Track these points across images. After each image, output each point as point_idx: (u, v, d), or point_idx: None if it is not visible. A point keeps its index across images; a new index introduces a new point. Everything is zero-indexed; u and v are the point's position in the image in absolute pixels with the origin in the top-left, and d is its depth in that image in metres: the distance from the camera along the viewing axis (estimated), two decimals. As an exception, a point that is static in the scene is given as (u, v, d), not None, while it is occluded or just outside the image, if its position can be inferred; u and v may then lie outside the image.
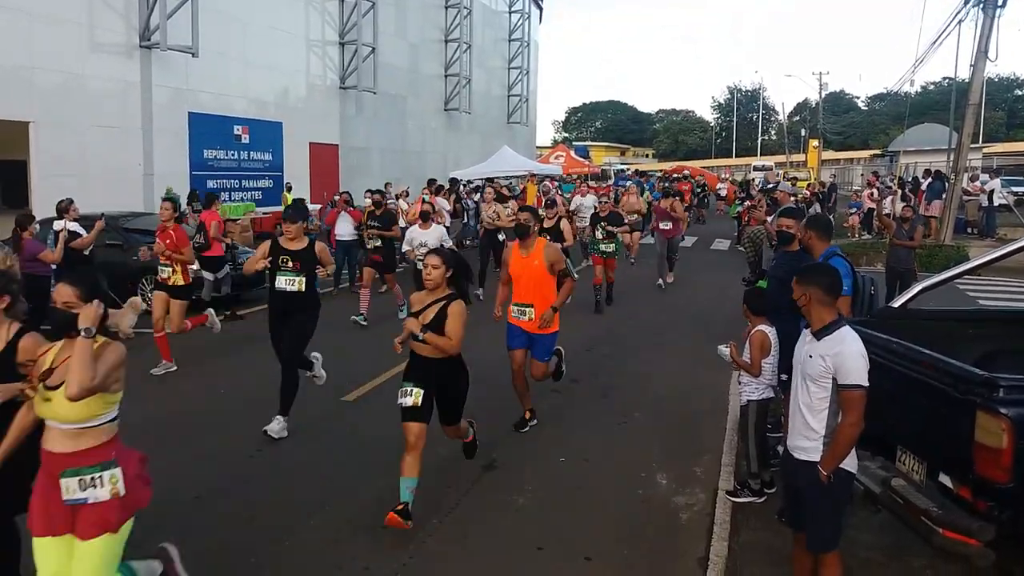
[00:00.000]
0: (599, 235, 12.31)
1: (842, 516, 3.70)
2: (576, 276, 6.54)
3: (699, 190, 30.48)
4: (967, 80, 19.77)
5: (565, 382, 8.31)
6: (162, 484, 5.62)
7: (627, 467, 6.02)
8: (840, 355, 3.50)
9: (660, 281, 14.44)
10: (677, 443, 6.55)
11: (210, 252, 11.32)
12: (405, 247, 10.91)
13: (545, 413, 7.35)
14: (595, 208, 14.62)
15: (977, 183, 22.77)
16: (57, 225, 9.94)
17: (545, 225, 9.76)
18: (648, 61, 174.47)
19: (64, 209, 10.20)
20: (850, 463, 3.58)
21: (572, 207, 16.55)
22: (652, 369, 8.88)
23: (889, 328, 4.66)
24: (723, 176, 44.80)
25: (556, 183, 25.98)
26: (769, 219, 11.77)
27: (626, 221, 14.85)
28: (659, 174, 39.97)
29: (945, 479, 3.75)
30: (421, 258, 7.92)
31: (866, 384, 3.45)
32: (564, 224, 10.79)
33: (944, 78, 71.75)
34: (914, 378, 3.95)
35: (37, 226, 9.63)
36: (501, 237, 13.27)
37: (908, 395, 4.02)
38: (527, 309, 6.56)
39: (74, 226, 9.97)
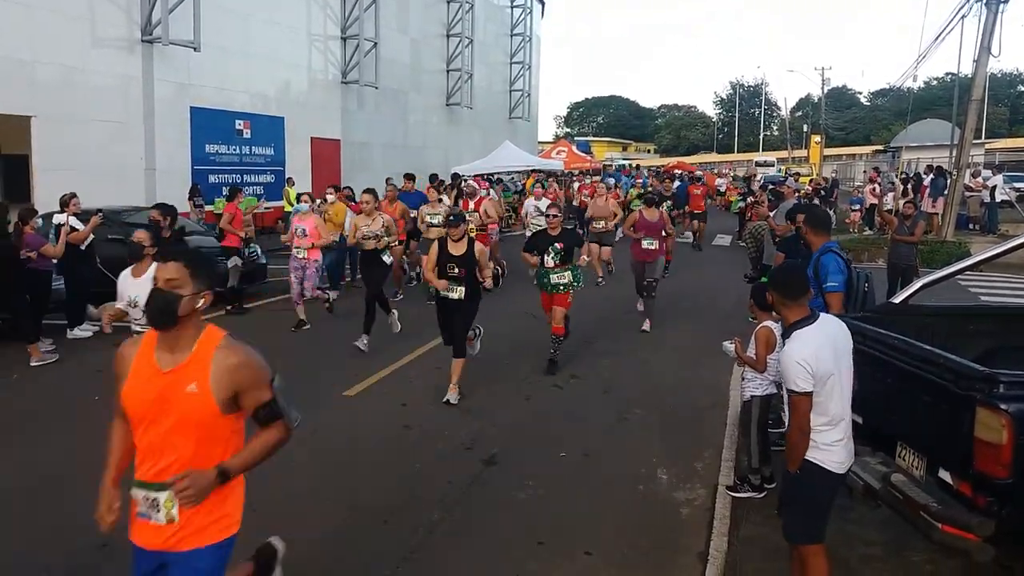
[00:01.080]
0: (549, 260, 8.39)
1: (821, 512, 3.70)
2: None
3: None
4: (970, 75, 19.74)
5: (565, 377, 8.33)
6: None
7: (627, 462, 6.02)
8: (781, 359, 3.54)
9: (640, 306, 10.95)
10: (677, 439, 6.56)
11: (225, 242, 11.45)
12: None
13: (545, 409, 7.37)
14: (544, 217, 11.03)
15: (979, 179, 22.73)
16: (58, 219, 9.95)
17: (452, 251, 7.35)
18: (650, 56, 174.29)
19: (66, 203, 10.21)
20: (828, 460, 3.57)
21: (523, 212, 15.13)
22: (652, 365, 8.88)
23: (890, 324, 4.66)
24: (723, 172, 44.75)
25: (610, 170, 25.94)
26: (771, 214, 11.76)
27: (594, 227, 13.85)
28: (658, 169, 39.39)
29: (945, 475, 3.75)
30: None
31: (801, 390, 3.46)
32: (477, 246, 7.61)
33: (947, 73, 71.71)
34: (914, 374, 3.96)
35: (39, 220, 9.65)
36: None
37: (908, 391, 4.02)
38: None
39: (74, 221, 9.98)
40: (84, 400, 7.08)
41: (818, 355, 3.49)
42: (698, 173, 33.33)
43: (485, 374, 8.37)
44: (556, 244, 8.43)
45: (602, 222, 13.92)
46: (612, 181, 23.03)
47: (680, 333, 10.27)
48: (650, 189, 19.97)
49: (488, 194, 15.69)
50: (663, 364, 8.87)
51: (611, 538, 4.83)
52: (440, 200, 13.26)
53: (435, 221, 11.33)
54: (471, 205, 13.32)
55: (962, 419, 3.57)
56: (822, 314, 3.77)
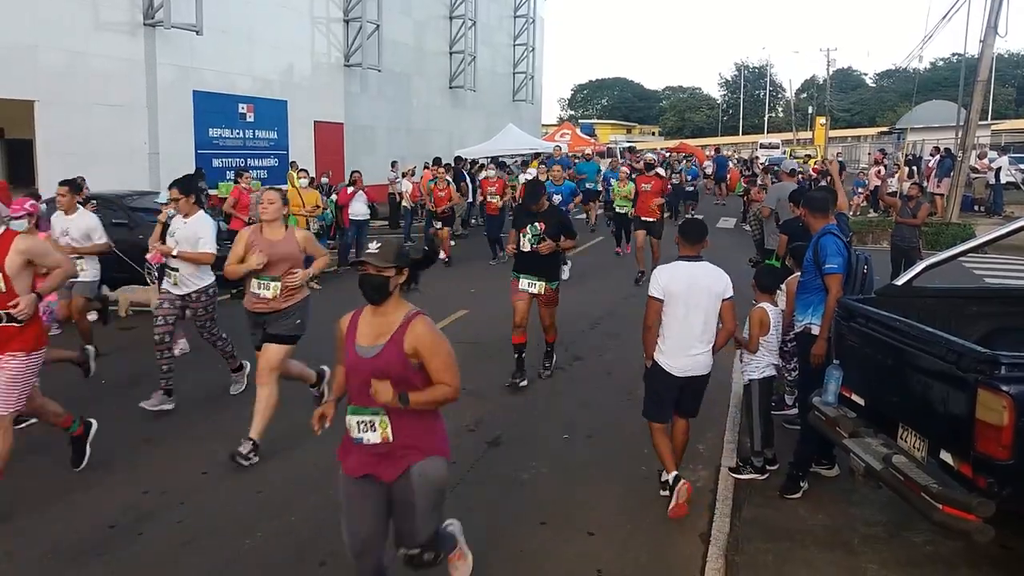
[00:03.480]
0: (526, 244, 7.15)
1: (659, 400, 5.10)
2: None
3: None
4: (976, 56, 19.60)
5: (569, 359, 8.35)
6: (168, 460, 5.71)
7: (630, 444, 6.05)
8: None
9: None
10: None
11: (232, 225, 11.50)
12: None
13: (549, 391, 7.39)
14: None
15: (985, 160, 22.63)
16: None
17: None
18: (655, 37, 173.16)
19: (78, 187, 10.23)
20: (666, 363, 4.97)
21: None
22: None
23: (892, 306, 4.66)
24: (727, 154, 44.47)
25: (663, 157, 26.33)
26: (764, 198, 11.72)
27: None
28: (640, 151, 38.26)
29: (946, 456, 3.76)
30: None
31: (650, 294, 4.93)
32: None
33: (953, 54, 71.11)
34: (916, 356, 3.96)
35: (43, 205, 9.65)
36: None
37: (910, 373, 4.03)
38: None
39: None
40: (91, 383, 7.13)
41: (672, 278, 4.83)
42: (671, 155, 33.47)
43: (489, 356, 8.40)
44: (536, 223, 7.09)
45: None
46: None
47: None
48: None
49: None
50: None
51: (613, 518, 4.86)
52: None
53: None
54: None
55: (963, 401, 3.58)
56: (704, 262, 4.95)
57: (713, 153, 34.23)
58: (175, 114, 18.53)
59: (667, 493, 4.97)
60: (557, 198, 11.62)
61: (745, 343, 5.40)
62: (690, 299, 4.79)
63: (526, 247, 7.15)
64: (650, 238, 12.63)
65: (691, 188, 23.10)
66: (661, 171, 15.84)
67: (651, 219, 12.68)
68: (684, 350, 4.85)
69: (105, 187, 12.73)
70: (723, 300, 4.87)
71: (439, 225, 14.80)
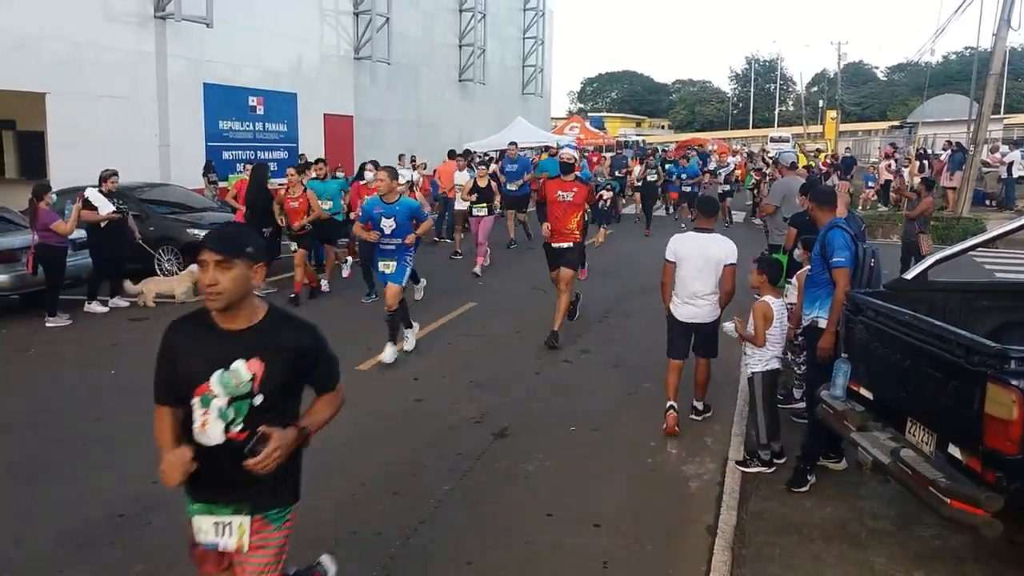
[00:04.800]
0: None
1: (674, 339, 6.22)
2: None
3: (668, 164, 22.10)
4: (989, 50, 19.44)
5: (576, 352, 8.36)
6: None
7: (637, 436, 6.06)
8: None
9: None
10: (687, 413, 6.57)
11: (236, 217, 11.54)
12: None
13: (556, 383, 7.40)
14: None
15: (997, 155, 22.47)
16: (91, 193, 9.99)
17: None
18: (664, 30, 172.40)
19: (104, 178, 10.31)
20: (676, 312, 6.10)
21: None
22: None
23: (901, 299, 4.64)
24: (735, 148, 44.31)
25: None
26: (767, 193, 11.65)
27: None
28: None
29: (955, 450, 3.75)
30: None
31: (665, 259, 6.10)
32: None
33: (965, 48, 70.51)
34: (925, 350, 3.95)
35: (53, 196, 9.71)
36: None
37: (919, 366, 4.01)
38: None
39: (97, 198, 9.99)
40: (101, 375, 7.18)
41: (682, 245, 6.01)
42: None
43: (495, 349, 8.42)
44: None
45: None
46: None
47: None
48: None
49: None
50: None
51: (620, 511, 4.87)
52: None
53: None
54: None
55: (973, 395, 3.56)
56: (715, 233, 6.05)
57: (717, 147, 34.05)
58: (185, 106, 18.57)
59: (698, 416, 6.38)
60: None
61: (751, 338, 5.39)
62: (696, 263, 5.92)
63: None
64: (561, 270, 8.47)
65: (689, 188, 19.54)
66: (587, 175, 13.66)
67: (565, 244, 8.40)
68: (690, 302, 6.00)
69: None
70: (725, 265, 5.89)
71: (294, 247, 10.71)
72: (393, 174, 7.95)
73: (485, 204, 13.58)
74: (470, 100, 32.32)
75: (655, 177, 19.66)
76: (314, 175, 12.19)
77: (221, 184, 17.95)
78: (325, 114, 23.78)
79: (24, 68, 14.75)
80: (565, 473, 5.40)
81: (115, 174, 10.43)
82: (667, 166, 21.23)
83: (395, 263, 7.77)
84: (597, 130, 40.41)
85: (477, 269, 12.91)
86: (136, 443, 5.79)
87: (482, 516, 4.79)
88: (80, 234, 9.75)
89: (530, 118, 31.63)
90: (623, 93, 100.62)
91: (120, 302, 10.29)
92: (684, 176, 19.91)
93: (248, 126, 20.92)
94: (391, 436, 6.01)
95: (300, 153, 21.62)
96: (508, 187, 15.77)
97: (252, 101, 20.92)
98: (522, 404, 6.77)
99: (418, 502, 4.89)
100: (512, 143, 17.84)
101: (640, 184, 19.95)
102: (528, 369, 7.79)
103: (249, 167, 13.16)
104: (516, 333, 9.12)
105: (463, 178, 15.26)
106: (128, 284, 10.21)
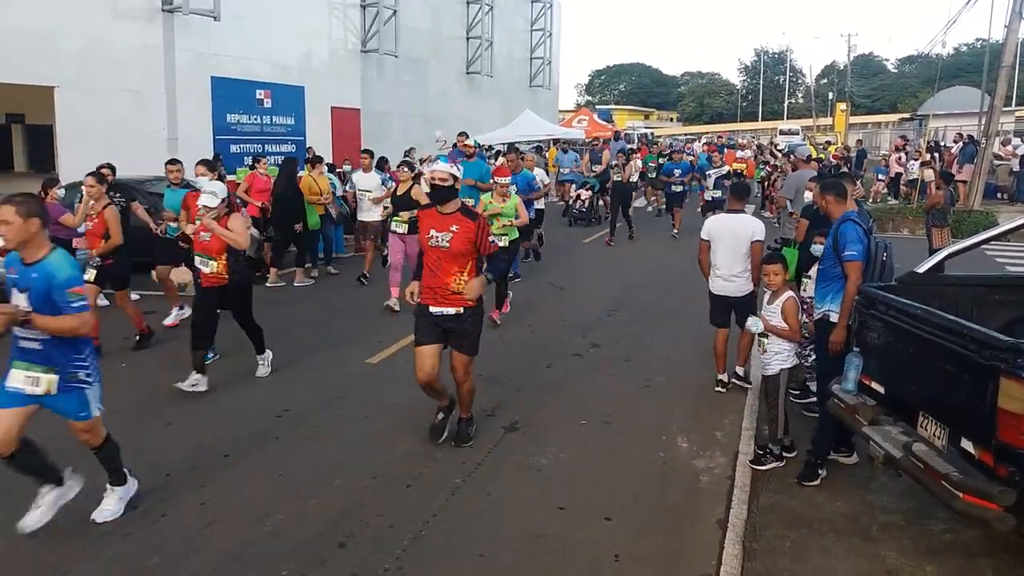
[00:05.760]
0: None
1: (714, 311, 7.03)
2: None
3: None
4: (1001, 41, 19.30)
5: (587, 346, 8.36)
6: (192, 441, 5.78)
7: (648, 430, 6.07)
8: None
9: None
10: (698, 407, 6.59)
11: (247, 211, 11.53)
12: None
13: (567, 377, 7.41)
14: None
15: (1009, 147, 22.33)
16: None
17: None
18: (673, 22, 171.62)
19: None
20: (712, 286, 6.94)
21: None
22: (673, 334, 8.89)
23: (914, 293, 4.63)
24: (742, 142, 44.06)
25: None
26: (780, 187, 11.62)
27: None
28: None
29: (967, 445, 3.75)
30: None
31: (700, 237, 6.97)
32: None
33: (977, 39, 70.10)
34: (938, 343, 3.94)
35: (62, 190, 9.73)
36: None
37: (931, 360, 4.00)
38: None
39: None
40: (112, 367, 7.21)
41: (715, 226, 6.82)
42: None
43: (507, 342, 8.43)
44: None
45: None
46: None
47: (700, 303, 10.22)
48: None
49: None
50: (684, 333, 8.86)
51: (631, 504, 4.88)
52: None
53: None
54: None
55: (985, 389, 3.56)
56: (744, 214, 6.82)
57: (719, 141, 33.70)
58: (193, 100, 18.61)
59: (720, 389, 6.90)
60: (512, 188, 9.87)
61: (789, 333, 5.37)
62: (728, 243, 6.64)
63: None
64: (453, 354, 5.73)
65: (679, 188, 17.37)
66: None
67: (449, 310, 5.47)
68: (722, 277, 6.75)
69: (124, 173, 12.81)
70: (752, 242, 6.55)
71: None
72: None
73: (406, 218, 9.46)
74: (477, 93, 32.26)
75: (622, 177, 16.24)
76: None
77: (229, 177, 17.95)
78: (332, 107, 23.77)
79: (33, 62, 14.80)
80: (576, 466, 5.41)
81: (112, 169, 10.44)
82: (662, 163, 19.96)
83: None
84: (605, 123, 40.24)
85: (392, 303, 9.66)
86: (149, 436, 5.84)
87: (494, 509, 4.81)
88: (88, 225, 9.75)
89: (538, 111, 31.57)
90: (631, 85, 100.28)
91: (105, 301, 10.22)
92: (678, 172, 17.31)
93: (256, 119, 20.95)
94: (403, 429, 6.03)
95: (308, 147, 21.66)
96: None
97: (260, 94, 20.94)
98: (533, 398, 6.79)
99: (430, 495, 4.92)
100: (462, 133, 14.52)
101: (609, 185, 17.42)
102: (539, 363, 7.80)
103: (264, 161, 13.18)
104: (527, 327, 9.13)
105: (371, 182, 11.74)
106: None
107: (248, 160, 18.52)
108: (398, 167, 10.24)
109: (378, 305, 9.87)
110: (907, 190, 21.36)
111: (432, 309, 5.43)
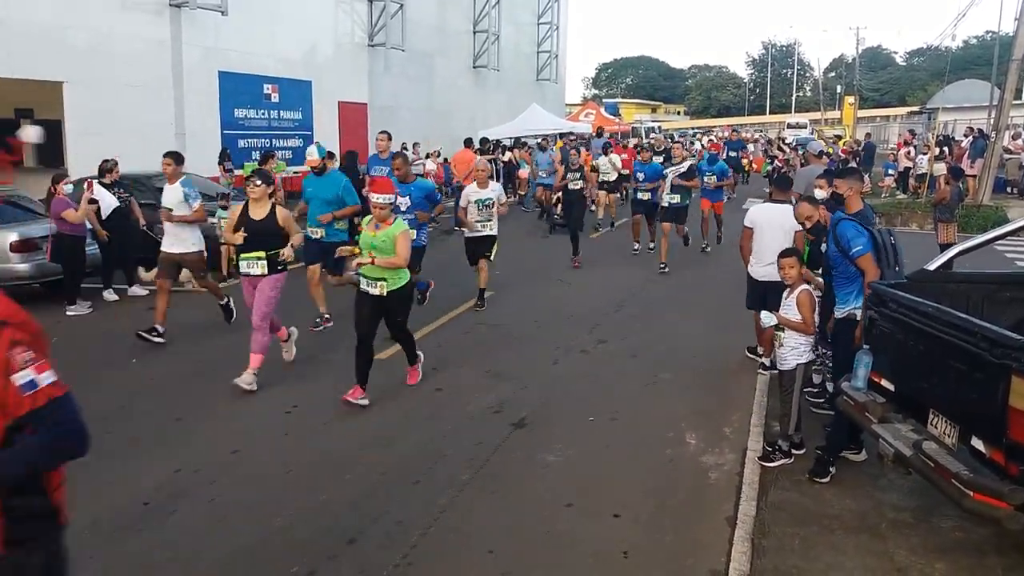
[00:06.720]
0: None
1: (750, 291, 7.30)
2: None
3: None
4: (1011, 34, 19.17)
5: (594, 342, 8.36)
6: (200, 439, 5.80)
7: (656, 427, 6.06)
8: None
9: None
10: (705, 404, 6.57)
11: None
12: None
13: (574, 373, 7.41)
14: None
15: (1019, 141, 22.20)
16: (96, 189, 10.03)
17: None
18: (680, 15, 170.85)
19: (107, 169, 10.36)
20: (752, 271, 7.19)
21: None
22: (680, 330, 8.87)
23: (924, 291, 4.62)
24: (750, 136, 43.86)
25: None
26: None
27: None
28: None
29: (978, 443, 3.73)
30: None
31: (745, 225, 7.30)
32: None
33: (987, 32, 69.62)
34: (948, 341, 3.92)
35: (69, 186, 9.77)
36: None
37: (942, 358, 3.99)
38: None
39: (100, 191, 10.04)
40: (122, 363, 7.25)
41: (758, 214, 7.10)
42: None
43: (513, 339, 8.43)
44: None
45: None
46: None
47: (707, 299, 10.22)
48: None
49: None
50: (692, 329, 8.86)
51: (639, 501, 4.88)
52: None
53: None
54: None
55: (996, 387, 3.54)
56: (786, 204, 6.85)
57: (725, 135, 33.31)
58: (201, 94, 18.63)
59: (762, 372, 7.12)
60: (404, 201, 8.27)
61: (804, 327, 5.31)
62: (772, 232, 6.85)
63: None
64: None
65: (647, 196, 13.32)
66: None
67: None
68: (762, 264, 6.95)
69: (132, 167, 12.85)
70: (797, 231, 6.53)
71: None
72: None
73: (262, 254, 6.79)
74: (484, 87, 32.22)
75: (580, 184, 13.43)
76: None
77: (237, 172, 18.00)
78: (339, 101, 23.79)
79: (41, 57, 14.84)
80: (584, 463, 5.42)
81: (115, 164, 10.48)
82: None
83: None
84: (612, 116, 40.16)
85: (245, 379, 6.70)
86: (159, 431, 5.87)
87: (502, 505, 4.82)
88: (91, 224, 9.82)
89: (545, 104, 31.52)
90: (638, 79, 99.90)
91: (138, 290, 10.36)
92: (641, 176, 13.34)
93: (263, 114, 20.98)
94: (411, 425, 6.04)
95: (315, 141, 21.68)
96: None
97: (267, 89, 20.97)
98: (540, 394, 6.79)
99: (439, 491, 4.93)
100: (383, 132, 12.37)
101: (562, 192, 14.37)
102: (546, 359, 7.80)
103: (274, 159, 13.16)
104: (534, 323, 9.13)
105: (430, 167, 10.19)
106: (141, 272, 10.25)
107: (255, 155, 18.58)
108: (247, 179, 7.05)
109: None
110: (916, 185, 21.27)
111: None
